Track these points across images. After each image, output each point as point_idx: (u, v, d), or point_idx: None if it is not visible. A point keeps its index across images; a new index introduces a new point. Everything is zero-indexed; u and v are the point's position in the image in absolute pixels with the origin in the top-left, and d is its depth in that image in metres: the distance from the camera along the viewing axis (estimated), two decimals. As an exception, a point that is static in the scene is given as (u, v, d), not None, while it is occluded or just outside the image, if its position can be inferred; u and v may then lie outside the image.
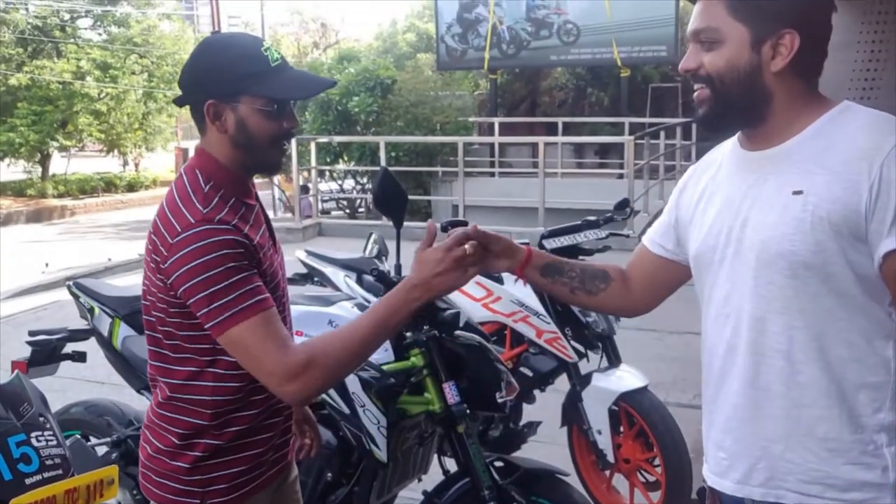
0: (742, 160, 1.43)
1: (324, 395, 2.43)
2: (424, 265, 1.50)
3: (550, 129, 15.68)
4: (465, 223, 2.27)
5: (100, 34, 24.08)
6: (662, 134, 12.71)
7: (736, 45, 1.33)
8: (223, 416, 1.59)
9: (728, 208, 1.41)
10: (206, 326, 1.47)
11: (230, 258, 1.46)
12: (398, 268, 2.57)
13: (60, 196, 21.30)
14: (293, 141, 11.19)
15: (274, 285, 1.61)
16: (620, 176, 12.33)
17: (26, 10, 22.02)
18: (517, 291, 3.28)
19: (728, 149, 1.49)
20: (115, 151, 24.28)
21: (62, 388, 4.30)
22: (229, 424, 1.60)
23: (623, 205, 3.55)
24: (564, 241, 3.24)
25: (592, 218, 3.36)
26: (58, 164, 23.48)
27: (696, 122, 1.40)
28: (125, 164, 26.37)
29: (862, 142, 1.27)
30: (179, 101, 1.60)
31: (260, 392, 1.60)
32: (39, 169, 22.22)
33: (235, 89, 1.51)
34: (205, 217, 1.49)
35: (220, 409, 1.58)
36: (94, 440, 2.79)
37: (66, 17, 23.09)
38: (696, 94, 1.40)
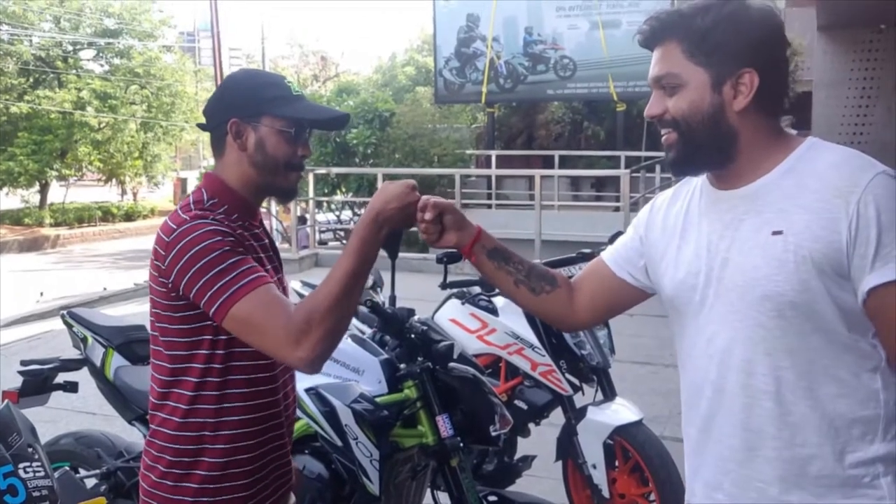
0: (714, 199, 1.43)
1: (316, 427, 2.41)
2: (388, 197, 1.54)
3: (547, 162, 15.77)
4: (460, 255, 2.28)
5: (102, 65, 24.32)
6: (658, 167, 12.79)
7: (697, 88, 1.35)
8: (225, 441, 1.61)
9: (705, 248, 1.41)
10: (210, 313, 1.50)
11: (222, 244, 1.51)
12: (393, 299, 2.58)
13: (58, 225, 21.34)
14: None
15: None
16: (616, 209, 12.39)
17: (30, 42, 22.24)
18: (512, 323, 3.28)
19: (697, 185, 1.50)
20: (114, 181, 24.39)
21: (53, 419, 4.27)
22: (232, 444, 1.62)
23: (618, 237, 3.55)
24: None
25: (588, 250, 3.36)
26: (56, 194, 23.55)
27: (666, 165, 1.42)
28: (123, 193, 26.47)
29: (836, 179, 1.28)
30: (204, 126, 1.70)
31: (261, 410, 1.63)
32: (38, 198, 22.28)
33: (258, 110, 1.62)
34: (199, 214, 1.57)
35: (223, 431, 1.61)
36: (83, 472, 2.76)
37: (70, 48, 23.31)
38: (663, 138, 1.42)
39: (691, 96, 1.35)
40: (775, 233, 1.31)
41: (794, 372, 1.32)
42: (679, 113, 1.37)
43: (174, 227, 1.54)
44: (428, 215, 1.58)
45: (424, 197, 1.59)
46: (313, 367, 1.48)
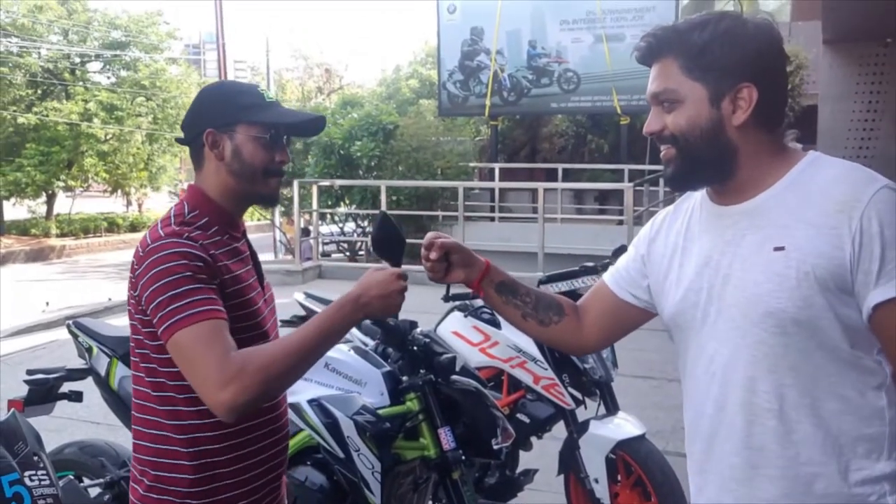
0: (715, 215, 1.42)
1: (318, 439, 2.42)
2: (371, 283, 1.55)
3: (550, 175, 15.81)
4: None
5: (108, 77, 24.46)
6: (661, 181, 12.79)
7: (695, 104, 1.34)
8: (206, 456, 1.59)
9: (706, 265, 1.40)
10: (159, 333, 1.49)
11: (189, 268, 1.50)
12: (395, 312, 2.58)
13: (64, 235, 21.42)
14: (295, 183, 11.30)
15: (255, 324, 1.63)
16: (620, 222, 12.39)
17: (39, 54, 22.39)
18: (515, 337, 3.28)
19: (698, 201, 1.49)
20: (120, 192, 24.48)
21: (58, 428, 4.28)
22: (212, 458, 1.60)
23: (621, 251, 3.52)
24: (562, 286, 3.25)
25: (591, 264, 3.37)
26: (62, 204, 23.64)
27: (665, 181, 1.41)
28: (129, 204, 26.55)
29: (838, 194, 1.27)
30: (182, 140, 1.70)
31: (243, 422, 1.61)
32: (44, 208, 22.37)
33: (233, 118, 1.63)
34: (174, 232, 1.56)
35: (203, 446, 1.59)
36: (87, 481, 2.77)
37: (77, 60, 23.46)
38: (662, 154, 1.41)
39: (689, 112, 1.35)
40: (777, 248, 1.30)
41: (798, 389, 1.31)
42: (677, 129, 1.36)
43: (149, 242, 1.55)
44: (433, 255, 1.58)
45: (430, 234, 1.60)
46: (231, 414, 1.43)
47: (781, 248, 1.29)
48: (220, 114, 1.63)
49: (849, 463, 1.30)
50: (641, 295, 1.58)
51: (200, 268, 1.52)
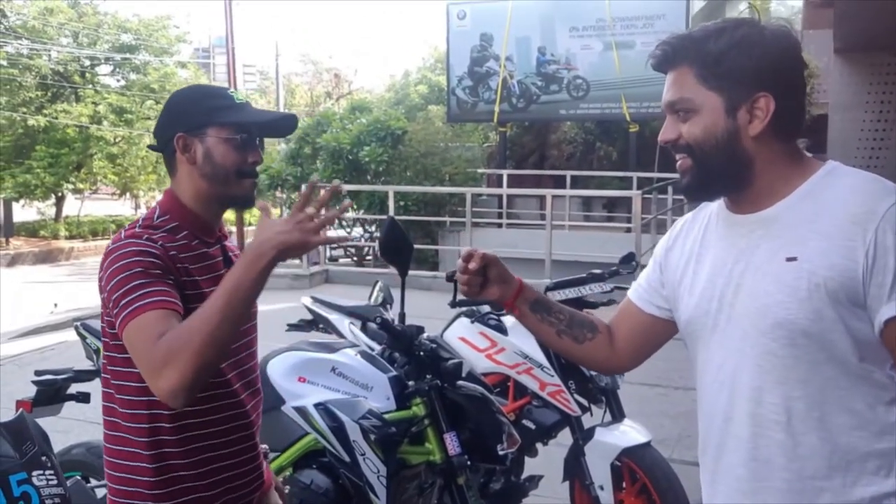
0: (731, 223, 1.40)
1: (324, 443, 2.42)
2: (266, 225, 1.47)
3: (559, 182, 15.79)
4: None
5: (118, 80, 24.59)
6: (670, 189, 12.78)
7: (711, 114, 1.32)
8: (163, 459, 1.59)
9: (719, 273, 1.38)
10: (116, 330, 1.49)
11: (142, 264, 1.50)
12: (402, 316, 2.59)
13: (73, 238, 21.52)
14: (303, 188, 11.34)
15: None
16: (628, 230, 12.38)
17: (49, 56, 22.53)
18: (521, 343, 3.28)
19: (714, 209, 1.47)
20: (128, 195, 24.58)
21: (65, 429, 4.29)
22: (167, 462, 1.59)
23: (629, 259, 3.57)
24: (569, 293, 3.25)
25: (598, 271, 3.37)
26: (71, 207, 23.75)
27: (680, 191, 1.39)
28: (137, 206, 26.65)
29: (853, 206, 1.25)
30: (154, 147, 1.70)
31: (201, 429, 1.60)
32: (53, 210, 22.48)
33: (202, 121, 1.62)
34: (134, 234, 1.58)
35: (160, 449, 1.58)
36: (94, 482, 2.78)
37: (87, 63, 23.60)
38: (678, 164, 1.39)
39: (705, 121, 1.33)
40: (789, 259, 1.28)
41: (806, 402, 1.28)
42: (693, 138, 1.34)
43: (111, 244, 1.57)
44: (473, 265, 1.54)
45: (467, 248, 1.56)
46: (175, 399, 1.40)
47: (794, 259, 1.27)
48: (190, 117, 1.62)
49: (857, 478, 1.28)
50: (663, 304, 1.56)
51: (154, 264, 1.51)
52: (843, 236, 1.24)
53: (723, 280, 1.37)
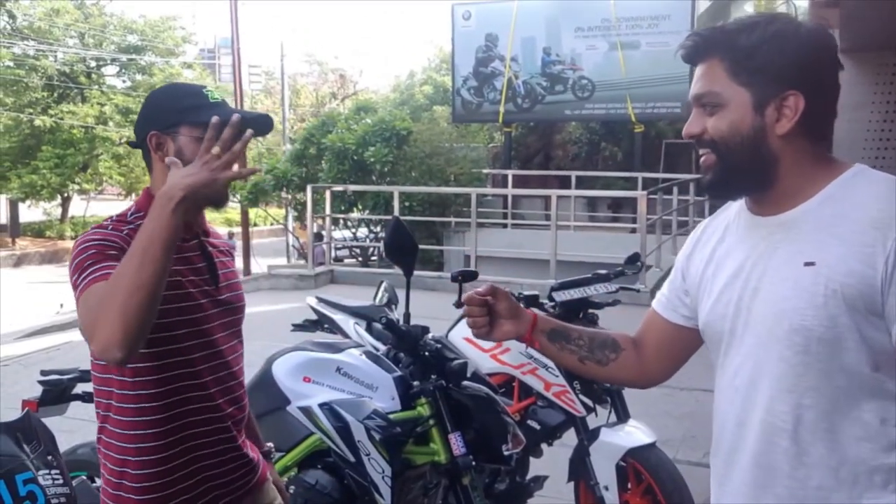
0: (751, 225, 1.37)
1: (329, 443, 2.43)
2: (174, 174, 1.46)
3: (564, 183, 15.78)
4: (475, 273, 2.30)
5: (124, 81, 24.67)
6: (675, 189, 12.76)
7: (738, 109, 1.29)
8: (145, 453, 1.62)
9: (738, 276, 1.35)
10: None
11: (97, 247, 1.54)
12: (407, 316, 2.59)
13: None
14: (308, 188, 11.35)
15: (189, 321, 1.64)
16: (633, 230, 12.36)
17: (55, 57, 22.61)
18: (526, 343, 3.28)
19: (735, 211, 1.43)
20: (134, 195, 24.64)
21: (71, 429, 4.30)
22: (147, 458, 1.63)
23: (634, 259, 3.56)
24: (574, 293, 3.25)
25: (603, 271, 3.37)
26: (77, 207, 23.83)
27: (702, 188, 1.41)
28: (142, 207, 26.72)
29: (876, 210, 1.21)
30: (133, 143, 1.72)
31: (181, 418, 1.64)
32: (59, 211, 22.57)
33: (175, 120, 1.63)
34: (101, 225, 1.63)
35: (140, 443, 1.62)
36: (99, 482, 2.78)
37: (93, 64, 23.67)
38: (702, 159, 1.35)
39: (731, 117, 1.29)
40: (808, 263, 1.24)
41: (816, 411, 1.25)
42: (718, 134, 1.31)
43: (79, 237, 1.62)
44: (480, 290, 1.52)
45: (468, 294, 1.53)
46: (110, 354, 1.40)
47: (812, 264, 1.24)
48: (163, 116, 1.64)
49: (863, 491, 1.25)
50: (688, 313, 1.52)
51: (110, 246, 1.55)
52: (862, 242, 1.20)
53: (741, 284, 1.34)
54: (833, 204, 1.26)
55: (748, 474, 1.34)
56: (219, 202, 1.63)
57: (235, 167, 1.48)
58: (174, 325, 1.61)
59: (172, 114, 1.64)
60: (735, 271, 1.36)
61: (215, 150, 1.45)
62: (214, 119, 1.47)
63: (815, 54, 1.28)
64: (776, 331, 1.27)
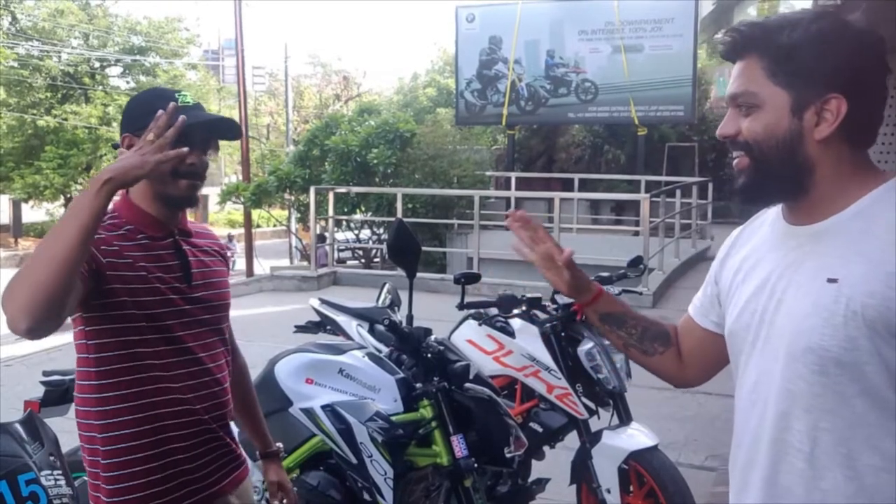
0: (784, 234, 1.30)
1: (331, 444, 2.43)
2: (112, 164, 1.51)
3: (567, 185, 15.79)
4: (478, 276, 2.31)
5: (128, 82, 24.72)
6: (678, 192, 12.76)
7: (775, 111, 1.22)
8: (112, 443, 1.67)
9: (764, 287, 1.28)
10: None
11: None
12: (410, 318, 2.59)
13: (81, 238, 21.63)
14: (312, 190, 11.36)
15: (157, 314, 1.67)
16: (636, 233, 12.36)
17: (59, 58, 22.67)
18: (529, 346, 3.28)
19: (771, 217, 1.36)
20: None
21: (72, 430, 4.30)
22: (122, 444, 1.68)
23: (637, 262, 3.56)
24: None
25: (606, 274, 3.37)
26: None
27: (734, 193, 1.30)
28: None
29: None
30: (115, 145, 1.78)
31: (158, 407, 1.68)
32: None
33: (145, 123, 1.63)
34: None
35: (107, 432, 1.67)
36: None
37: (97, 65, 23.73)
38: (735, 162, 1.28)
39: (768, 119, 1.22)
40: (830, 280, 1.17)
41: (834, 436, 1.18)
42: (752, 136, 1.24)
43: None
44: (564, 256, 1.55)
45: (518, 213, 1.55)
46: (18, 325, 1.40)
47: (835, 281, 1.17)
48: (136, 119, 1.69)
49: None
50: (717, 319, 1.47)
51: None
52: (887, 261, 1.13)
53: (766, 295, 1.28)
54: (863, 219, 1.19)
55: (761, 493, 1.29)
56: (177, 198, 1.70)
57: (171, 154, 1.48)
58: (137, 317, 1.65)
59: (143, 116, 1.66)
60: (762, 281, 1.30)
61: (150, 136, 1.50)
62: (159, 112, 1.52)
63: (861, 56, 1.21)
64: (793, 348, 1.21)
